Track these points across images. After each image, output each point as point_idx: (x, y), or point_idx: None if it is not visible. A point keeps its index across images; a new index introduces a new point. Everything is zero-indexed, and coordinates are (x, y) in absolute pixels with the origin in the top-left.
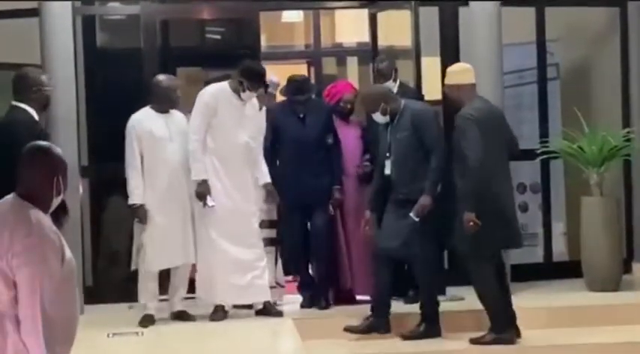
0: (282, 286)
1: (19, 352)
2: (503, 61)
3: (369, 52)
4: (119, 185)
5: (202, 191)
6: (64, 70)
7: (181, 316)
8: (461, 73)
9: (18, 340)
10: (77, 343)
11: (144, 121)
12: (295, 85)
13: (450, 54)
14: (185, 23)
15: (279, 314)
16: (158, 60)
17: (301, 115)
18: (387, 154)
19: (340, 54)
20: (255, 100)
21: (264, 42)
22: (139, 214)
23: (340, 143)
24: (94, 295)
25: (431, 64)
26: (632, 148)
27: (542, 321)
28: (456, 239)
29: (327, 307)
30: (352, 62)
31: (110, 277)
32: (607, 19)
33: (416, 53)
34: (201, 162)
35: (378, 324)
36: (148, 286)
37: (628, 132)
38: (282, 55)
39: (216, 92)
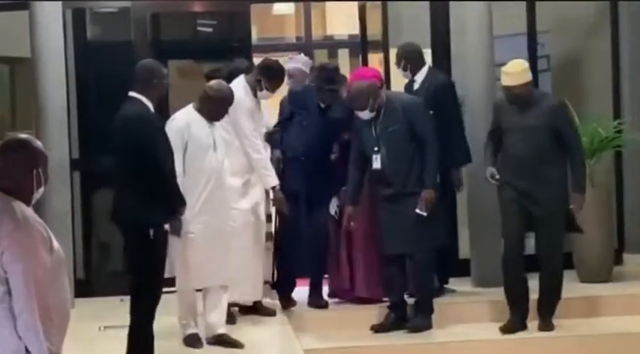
0: (271, 283)
1: (15, 347)
2: (494, 53)
3: (359, 44)
4: (110, 178)
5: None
6: (54, 63)
7: (221, 340)
8: (527, 69)
9: (14, 335)
10: (69, 337)
11: (192, 125)
12: (327, 74)
13: (440, 46)
14: (176, 16)
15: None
16: (149, 53)
17: (323, 106)
18: (375, 149)
19: (331, 46)
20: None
21: (255, 34)
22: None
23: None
24: (86, 288)
25: None
26: (623, 140)
27: (533, 312)
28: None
29: (325, 305)
30: (343, 54)
31: (102, 271)
32: (598, 10)
33: (384, 45)
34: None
35: (401, 319)
36: (184, 303)
37: (619, 123)
38: (273, 48)
39: (245, 91)
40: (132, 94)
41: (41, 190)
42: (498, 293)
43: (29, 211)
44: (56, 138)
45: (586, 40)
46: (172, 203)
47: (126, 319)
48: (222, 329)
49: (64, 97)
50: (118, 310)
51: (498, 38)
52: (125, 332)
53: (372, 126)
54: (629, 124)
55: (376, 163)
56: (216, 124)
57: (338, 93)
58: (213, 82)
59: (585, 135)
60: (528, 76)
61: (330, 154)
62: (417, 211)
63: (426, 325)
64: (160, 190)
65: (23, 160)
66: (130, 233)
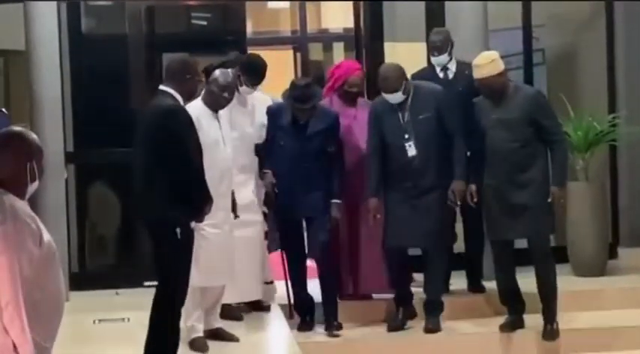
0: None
1: (2, 341)
2: (489, 47)
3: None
4: (105, 171)
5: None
6: (48, 55)
7: (217, 334)
8: (497, 59)
9: (1, 328)
10: (63, 329)
11: (201, 119)
12: (298, 92)
13: None
14: (170, 9)
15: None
16: (143, 46)
17: (302, 122)
18: (406, 136)
19: (326, 40)
20: (258, 95)
21: (250, 28)
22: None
23: (343, 151)
24: (80, 281)
25: (417, 50)
26: (618, 134)
27: (528, 306)
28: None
29: (339, 328)
30: (338, 48)
31: (96, 264)
32: (593, 4)
33: (356, 39)
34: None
35: (410, 312)
36: (191, 301)
37: (614, 117)
38: (268, 41)
39: None
40: (162, 87)
41: (35, 183)
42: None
43: (19, 204)
44: (51, 131)
45: (581, 34)
46: (199, 200)
47: (120, 313)
48: (217, 324)
49: (59, 89)
50: (112, 303)
51: (493, 32)
52: (119, 325)
53: (399, 112)
54: (624, 118)
55: (411, 150)
56: (222, 119)
57: (312, 110)
58: (216, 72)
59: (580, 129)
60: (500, 67)
61: (319, 167)
62: (449, 203)
63: (439, 326)
64: (187, 187)
65: (17, 153)
66: (156, 232)
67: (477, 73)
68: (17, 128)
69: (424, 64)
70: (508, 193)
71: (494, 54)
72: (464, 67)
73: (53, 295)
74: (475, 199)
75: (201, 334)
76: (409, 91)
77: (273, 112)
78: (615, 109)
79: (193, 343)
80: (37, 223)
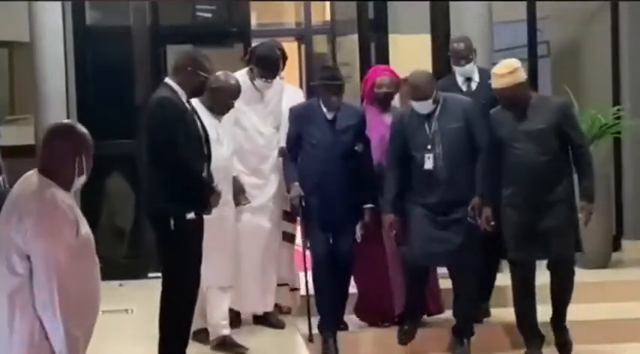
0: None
1: (35, 326)
2: (494, 39)
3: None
4: (108, 163)
5: None
6: (53, 48)
7: (224, 343)
8: (519, 69)
9: (34, 314)
10: None
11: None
12: (328, 73)
13: (440, 32)
14: (175, 1)
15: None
16: (148, 38)
17: (330, 118)
18: (429, 147)
19: (331, 32)
20: (277, 83)
21: (254, 20)
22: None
23: (370, 151)
24: None
25: (421, 42)
26: (622, 126)
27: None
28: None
29: (344, 328)
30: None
31: (101, 255)
32: None
33: (332, 34)
34: None
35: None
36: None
37: (618, 110)
38: (273, 33)
39: (242, 81)
40: (166, 79)
41: (83, 177)
42: None
43: (61, 194)
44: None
45: (586, 26)
46: (195, 192)
47: (124, 304)
48: (225, 331)
49: (63, 81)
50: (116, 294)
51: (498, 25)
52: (123, 317)
53: (426, 123)
54: (629, 111)
55: (428, 163)
56: (225, 117)
57: (340, 92)
58: (219, 73)
59: (584, 121)
60: (521, 77)
61: (350, 167)
62: (469, 219)
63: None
64: (178, 179)
65: (67, 146)
66: (153, 224)
67: (496, 83)
68: (69, 122)
69: (429, 57)
70: (534, 210)
71: (515, 63)
72: (486, 76)
73: (88, 285)
74: (492, 223)
75: (226, 332)
76: (438, 101)
77: (298, 112)
78: (620, 101)
79: (219, 344)
80: (75, 213)
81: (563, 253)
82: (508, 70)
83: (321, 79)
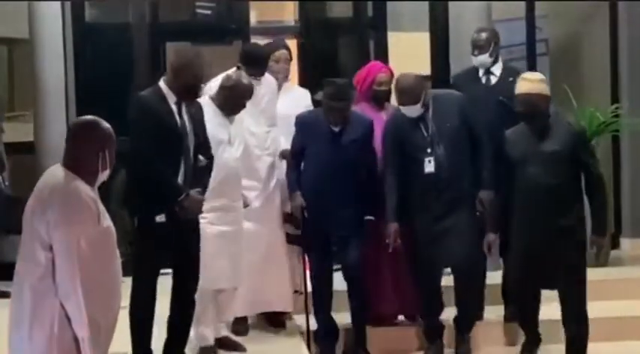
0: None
1: (58, 314)
2: None
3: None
4: None
5: None
6: (52, 44)
7: (226, 343)
8: (546, 81)
9: (55, 304)
10: None
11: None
12: (333, 90)
13: (439, 30)
14: None
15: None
16: (147, 35)
17: (336, 130)
18: (428, 150)
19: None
20: (269, 81)
21: (253, 17)
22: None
23: (376, 163)
24: None
25: (420, 40)
26: (621, 124)
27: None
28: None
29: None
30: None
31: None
32: None
33: (300, 33)
34: None
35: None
36: (201, 305)
37: (617, 108)
38: (272, 31)
39: None
40: (161, 78)
41: (106, 172)
42: None
43: (84, 187)
44: (54, 119)
45: (584, 24)
46: (161, 193)
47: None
48: (224, 331)
49: (63, 78)
50: None
51: (497, 22)
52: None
53: (421, 125)
54: (627, 109)
55: (429, 166)
56: (237, 117)
57: (345, 112)
58: (231, 72)
59: (583, 119)
60: (548, 90)
61: (355, 180)
62: (477, 213)
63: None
64: (142, 179)
65: (92, 141)
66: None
67: (524, 86)
68: (93, 117)
69: (427, 56)
70: (541, 239)
71: (543, 76)
72: (510, 74)
73: (109, 276)
74: (492, 250)
75: (210, 343)
76: (428, 103)
77: (303, 122)
78: (618, 99)
79: (202, 352)
80: (97, 206)
81: (570, 285)
82: (539, 78)
83: (325, 97)
